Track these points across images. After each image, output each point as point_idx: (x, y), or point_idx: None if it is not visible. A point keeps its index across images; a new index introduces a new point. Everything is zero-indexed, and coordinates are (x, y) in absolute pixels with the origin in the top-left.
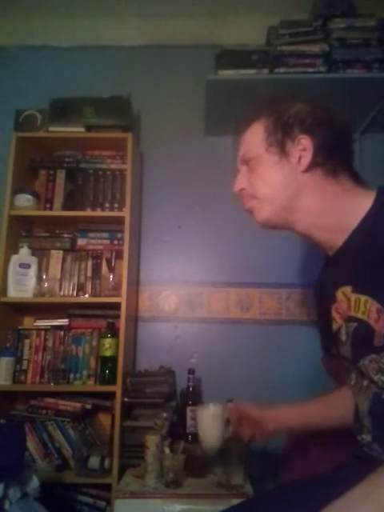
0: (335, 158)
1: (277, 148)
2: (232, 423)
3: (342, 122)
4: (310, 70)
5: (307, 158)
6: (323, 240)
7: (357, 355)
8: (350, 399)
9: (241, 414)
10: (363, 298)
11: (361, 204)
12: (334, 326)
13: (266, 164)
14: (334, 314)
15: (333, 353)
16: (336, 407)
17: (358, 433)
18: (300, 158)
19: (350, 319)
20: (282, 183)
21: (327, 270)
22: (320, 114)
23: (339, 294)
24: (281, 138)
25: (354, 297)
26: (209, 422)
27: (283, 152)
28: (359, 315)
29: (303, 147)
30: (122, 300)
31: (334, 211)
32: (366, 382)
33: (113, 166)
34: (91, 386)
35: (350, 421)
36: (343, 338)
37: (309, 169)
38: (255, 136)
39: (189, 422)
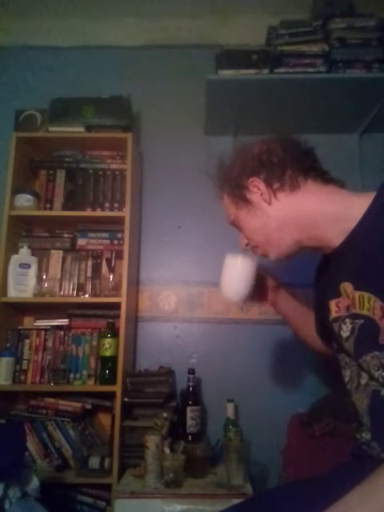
0: (289, 174)
1: (242, 202)
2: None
3: (283, 140)
4: (310, 70)
5: (265, 193)
6: (325, 245)
7: (360, 351)
8: (312, 329)
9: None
10: (366, 295)
11: (354, 204)
12: (330, 317)
13: (243, 218)
14: (332, 306)
15: (333, 348)
16: (309, 326)
17: (357, 431)
18: (261, 196)
19: (355, 316)
20: (261, 225)
21: (328, 266)
22: (258, 149)
23: (341, 290)
24: (239, 193)
25: (357, 294)
26: (237, 268)
27: (247, 202)
28: (365, 312)
29: (256, 188)
30: (122, 300)
31: (323, 219)
32: (364, 380)
33: (113, 166)
34: (91, 385)
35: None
36: (346, 334)
37: (272, 199)
38: (227, 205)
39: (189, 421)
